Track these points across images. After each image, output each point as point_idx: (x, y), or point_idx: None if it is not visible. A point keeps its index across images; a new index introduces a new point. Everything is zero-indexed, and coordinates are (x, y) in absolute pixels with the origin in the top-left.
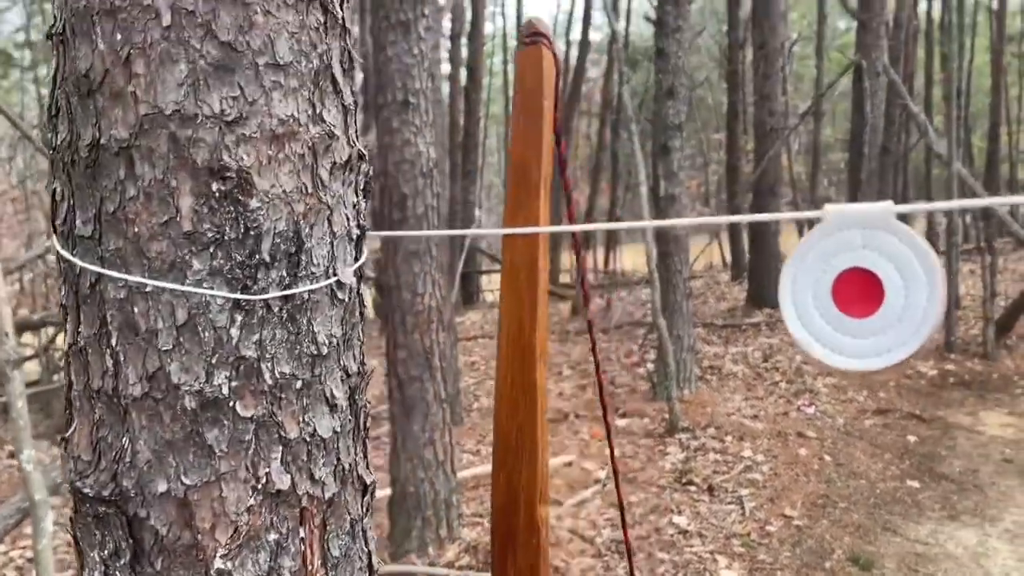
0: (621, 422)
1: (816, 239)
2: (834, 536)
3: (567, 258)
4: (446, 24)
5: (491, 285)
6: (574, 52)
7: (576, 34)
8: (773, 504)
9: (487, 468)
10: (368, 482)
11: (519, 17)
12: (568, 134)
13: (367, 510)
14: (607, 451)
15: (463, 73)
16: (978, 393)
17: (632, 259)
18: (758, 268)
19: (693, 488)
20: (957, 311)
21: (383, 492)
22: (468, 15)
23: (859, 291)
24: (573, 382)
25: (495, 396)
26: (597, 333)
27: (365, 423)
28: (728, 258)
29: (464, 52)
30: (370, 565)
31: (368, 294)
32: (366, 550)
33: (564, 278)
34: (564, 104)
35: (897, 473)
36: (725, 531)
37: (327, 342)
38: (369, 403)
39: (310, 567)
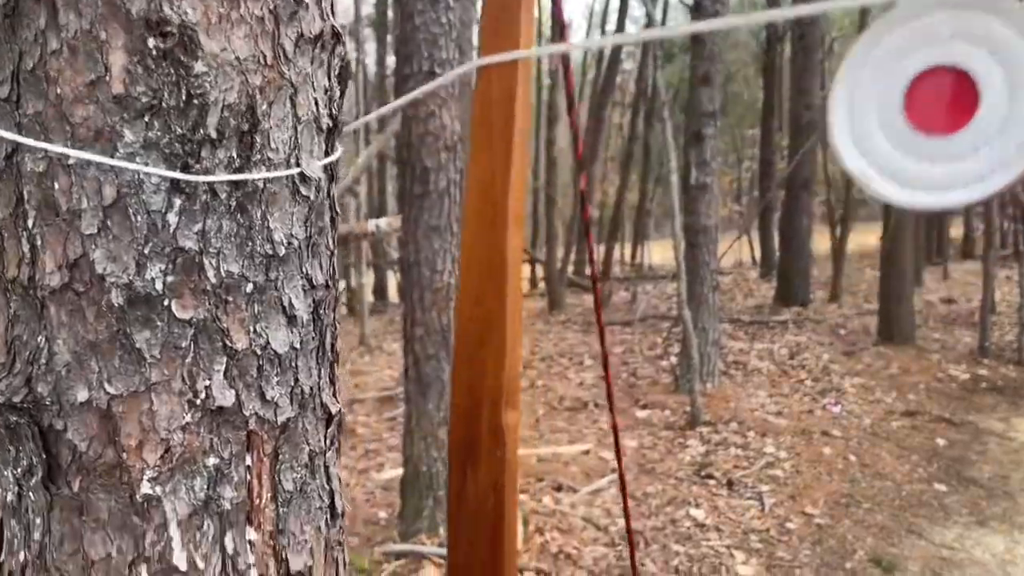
0: (642, 413)
1: (883, 30)
2: (856, 536)
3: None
4: None
5: None
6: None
7: (612, 24)
8: (794, 501)
9: None
10: (333, 411)
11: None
12: (600, 123)
13: (332, 443)
14: (625, 441)
15: None
16: (1011, 399)
17: (660, 254)
18: (788, 266)
19: (712, 482)
20: (992, 316)
21: (396, 471)
22: None
23: (943, 99)
24: (595, 372)
25: (460, 277)
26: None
27: (333, 345)
28: (758, 255)
29: None
30: (332, 506)
31: (392, 278)
32: (327, 488)
33: (590, 270)
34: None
35: (924, 476)
36: (743, 526)
37: (285, 242)
38: (338, 323)
39: (257, 500)
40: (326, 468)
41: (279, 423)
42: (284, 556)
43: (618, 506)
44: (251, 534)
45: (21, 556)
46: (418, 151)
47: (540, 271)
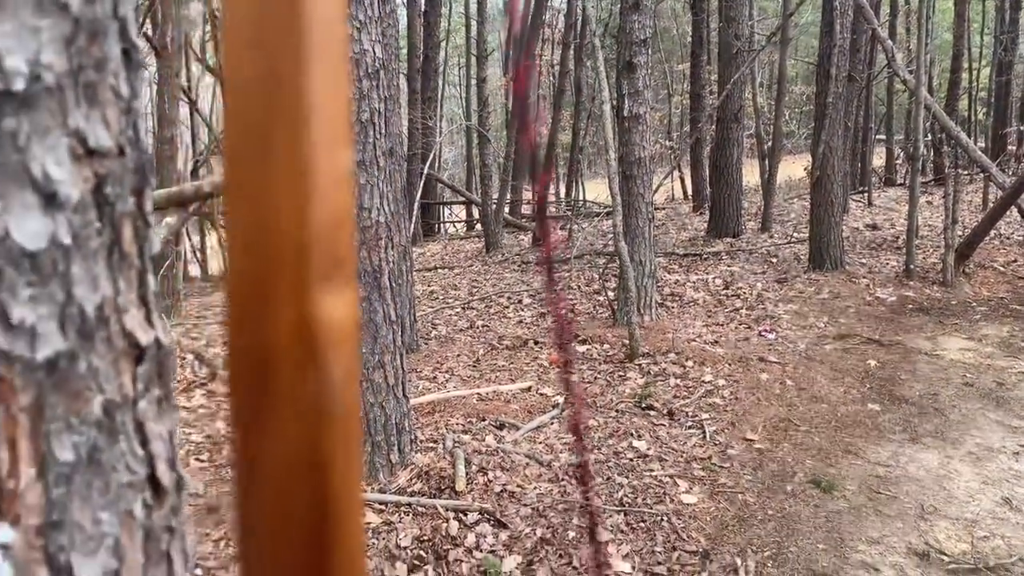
0: (581, 348)
1: None
2: (795, 459)
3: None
4: None
5: (452, 217)
6: None
7: None
8: (734, 428)
9: (444, 394)
10: (144, 342)
11: None
12: (530, 60)
13: (147, 389)
14: (565, 377)
15: None
16: (937, 319)
17: (594, 191)
18: (719, 198)
19: (653, 413)
20: (916, 239)
21: None
22: None
23: None
24: (533, 311)
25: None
26: (557, 265)
27: (142, 246)
28: (690, 190)
29: None
30: (153, 477)
31: None
32: (142, 453)
33: (526, 210)
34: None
35: (858, 396)
36: (685, 455)
37: (27, 73)
38: (145, 222)
39: (10, 481)
40: (139, 425)
41: (39, 361)
42: (66, 561)
43: (560, 441)
44: (4, 534)
45: None
46: None
47: (476, 213)
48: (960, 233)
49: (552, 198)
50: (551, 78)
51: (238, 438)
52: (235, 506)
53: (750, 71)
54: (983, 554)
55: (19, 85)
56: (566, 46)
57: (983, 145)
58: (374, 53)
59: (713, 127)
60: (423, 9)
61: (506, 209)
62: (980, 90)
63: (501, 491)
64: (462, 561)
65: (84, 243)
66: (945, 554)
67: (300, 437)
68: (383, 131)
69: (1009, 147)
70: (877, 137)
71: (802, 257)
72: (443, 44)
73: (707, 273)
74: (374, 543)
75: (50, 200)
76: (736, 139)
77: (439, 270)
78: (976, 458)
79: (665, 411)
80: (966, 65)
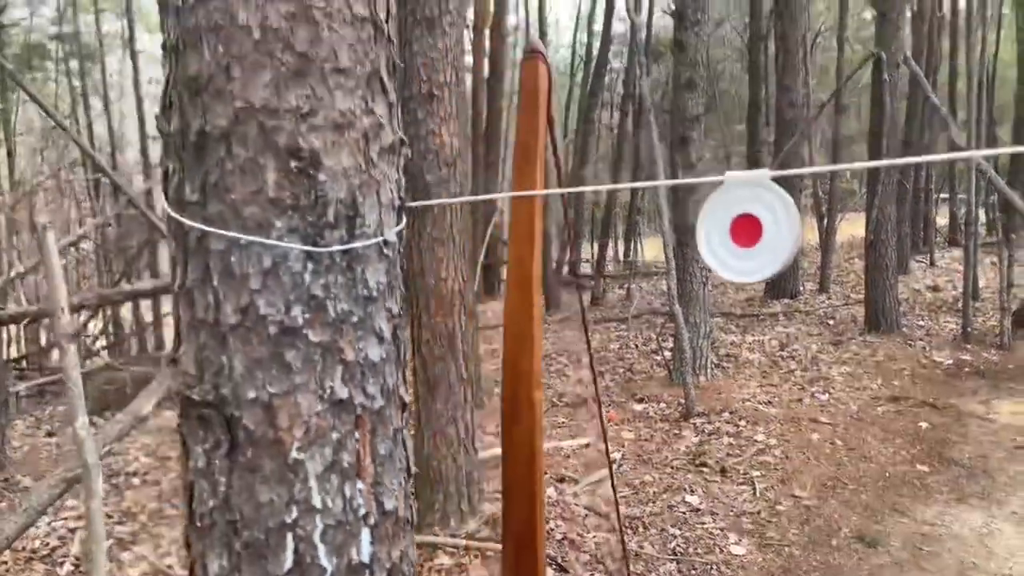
0: (637, 407)
1: (719, 195)
2: (842, 515)
3: (585, 249)
4: (469, 15)
5: None
6: (596, 43)
7: (598, 25)
8: (783, 485)
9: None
10: (406, 401)
11: (542, 9)
12: (590, 124)
13: (405, 423)
14: (623, 433)
15: (486, 65)
16: (992, 383)
17: (653, 251)
18: None
19: (706, 469)
20: (975, 303)
21: None
22: (492, 7)
23: (747, 229)
24: (591, 370)
25: (504, 318)
26: (614, 323)
27: (404, 354)
28: None
29: (487, 44)
30: (408, 468)
31: None
32: (404, 454)
33: (584, 268)
34: (587, 96)
35: (907, 458)
36: (736, 509)
37: (376, 287)
38: (407, 340)
39: (363, 462)
40: (403, 440)
41: (375, 409)
42: (381, 499)
43: (617, 495)
44: (360, 484)
45: (210, 503)
46: (420, 167)
47: None
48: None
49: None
50: (610, 140)
51: (505, 432)
52: (503, 456)
53: (806, 134)
54: None
55: (374, 293)
56: (624, 113)
57: None
58: (452, 144)
59: None
60: (486, 76)
61: (565, 269)
62: None
63: (562, 539)
64: None
65: (389, 357)
66: None
67: (526, 431)
68: (458, 212)
69: None
70: (941, 196)
71: (859, 319)
72: (505, 111)
73: (763, 334)
74: None
75: (380, 339)
76: (793, 200)
77: (499, 328)
78: (1020, 518)
79: (718, 468)
80: None
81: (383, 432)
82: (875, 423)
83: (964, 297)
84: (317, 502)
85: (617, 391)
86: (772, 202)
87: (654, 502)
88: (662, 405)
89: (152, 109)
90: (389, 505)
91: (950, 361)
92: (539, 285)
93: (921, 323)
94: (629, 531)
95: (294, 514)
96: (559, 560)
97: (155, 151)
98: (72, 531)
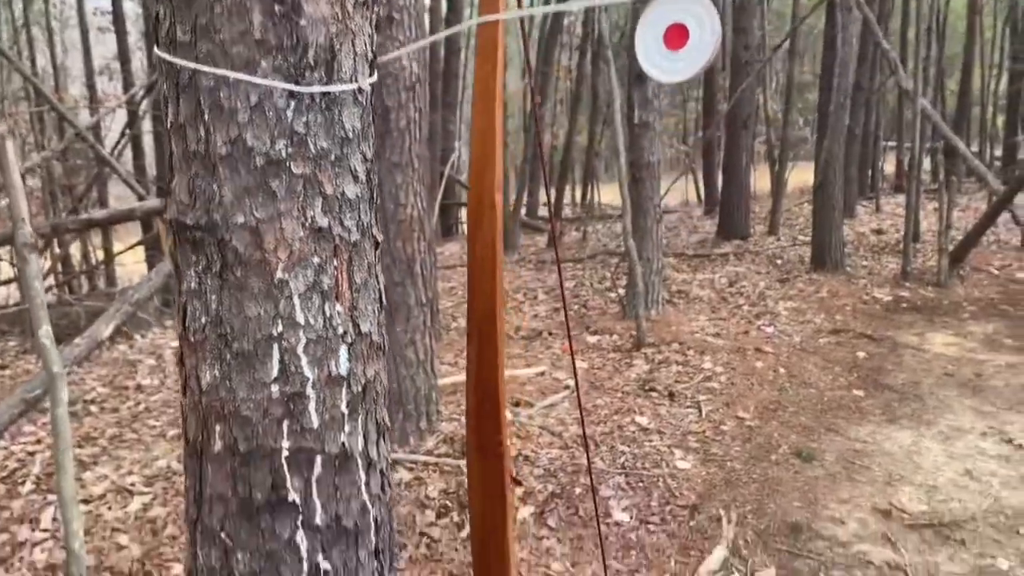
0: (591, 339)
1: (655, 7)
2: (781, 435)
3: (544, 193)
4: None
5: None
6: None
7: None
8: (728, 408)
9: (465, 378)
10: (379, 239)
11: None
12: (548, 67)
13: (377, 260)
14: (576, 362)
15: (444, 4)
16: (927, 317)
17: (609, 194)
18: (728, 201)
19: (655, 394)
20: (916, 244)
21: None
22: None
23: (677, 35)
24: (547, 305)
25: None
26: (570, 263)
27: (377, 197)
28: (702, 194)
29: None
30: (380, 300)
31: None
32: (378, 287)
33: (543, 211)
34: (546, 36)
35: (845, 384)
36: (682, 429)
37: (351, 130)
38: (380, 183)
39: (341, 286)
40: (376, 274)
41: (352, 241)
42: (357, 322)
43: (571, 417)
44: (338, 307)
45: (202, 320)
46: (379, 92)
47: None
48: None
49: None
50: (568, 83)
51: (470, 237)
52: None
53: (761, 79)
54: (940, 513)
55: (350, 135)
56: (582, 53)
57: (999, 154)
58: (412, 69)
59: (722, 132)
60: (444, 16)
61: (523, 211)
62: (999, 100)
63: (517, 455)
64: None
65: (363, 197)
66: (906, 512)
67: (489, 238)
68: (417, 137)
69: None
70: (890, 145)
71: (806, 259)
72: (463, 50)
73: (713, 273)
74: (406, 495)
75: (356, 179)
76: (745, 145)
77: (458, 268)
78: (946, 437)
79: (666, 393)
80: (978, 75)
81: (359, 263)
82: (816, 353)
83: (905, 238)
84: (300, 318)
85: (571, 325)
86: (700, 13)
87: (605, 423)
88: (614, 337)
89: (98, 40)
90: (364, 328)
91: (889, 297)
92: (500, 190)
93: (864, 263)
94: (581, 448)
95: (279, 327)
96: (514, 474)
97: (102, 84)
98: (32, 454)
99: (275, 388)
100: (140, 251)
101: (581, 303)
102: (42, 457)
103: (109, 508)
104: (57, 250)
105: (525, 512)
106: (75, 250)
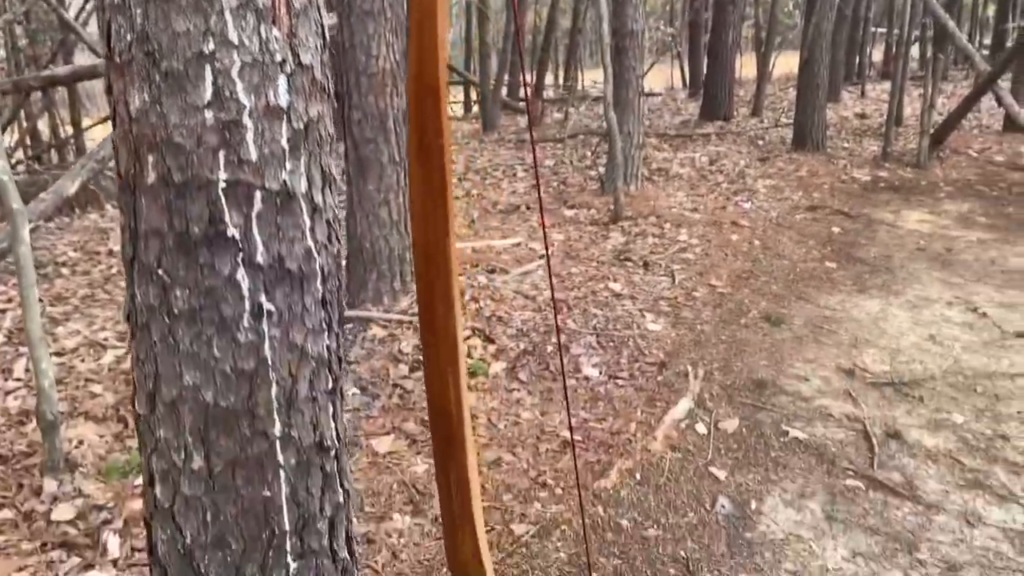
0: (568, 212)
1: None
2: (752, 301)
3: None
4: None
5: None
6: None
7: None
8: (701, 276)
9: None
10: None
11: None
12: None
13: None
14: (553, 235)
15: None
16: (904, 196)
17: (592, 78)
18: (713, 82)
19: (630, 264)
20: (898, 127)
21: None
22: None
23: None
24: (526, 182)
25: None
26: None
27: None
28: (687, 77)
29: None
30: (323, 34)
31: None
32: (320, 19)
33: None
34: None
35: (818, 256)
36: (655, 295)
37: None
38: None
39: (278, 10)
40: (319, 7)
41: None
42: (297, 52)
43: (545, 283)
44: (276, 31)
45: (127, 38)
46: None
47: (474, 95)
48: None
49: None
50: None
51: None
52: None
53: None
54: (900, 373)
55: None
56: None
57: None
58: None
59: (710, 13)
60: None
61: (504, 91)
62: None
63: (491, 316)
64: None
65: None
66: (868, 372)
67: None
68: None
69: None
70: (880, 31)
71: (787, 140)
72: None
73: (694, 152)
74: (380, 350)
75: None
76: (731, 22)
77: None
78: (913, 305)
79: (641, 263)
80: None
81: None
82: (792, 228)
83: (888, 120)
84: (233, 37)
85: (550, 200)
86: None
87: (579, 288)
88: (592, 211)
89: None
90: (305, 60)
91: (868, 177)
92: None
93: (846, 145)
94: (552, 310)
95: (211, 46)
96: (487, 333)
97: None
98: (2, 311)
99: (209, 114)
100: (110, 125)
101: (560, 180)
102: (14, 315)
103: (82, 360)
104: (25, 123)
105: (497, 367)
106: (44, 125)
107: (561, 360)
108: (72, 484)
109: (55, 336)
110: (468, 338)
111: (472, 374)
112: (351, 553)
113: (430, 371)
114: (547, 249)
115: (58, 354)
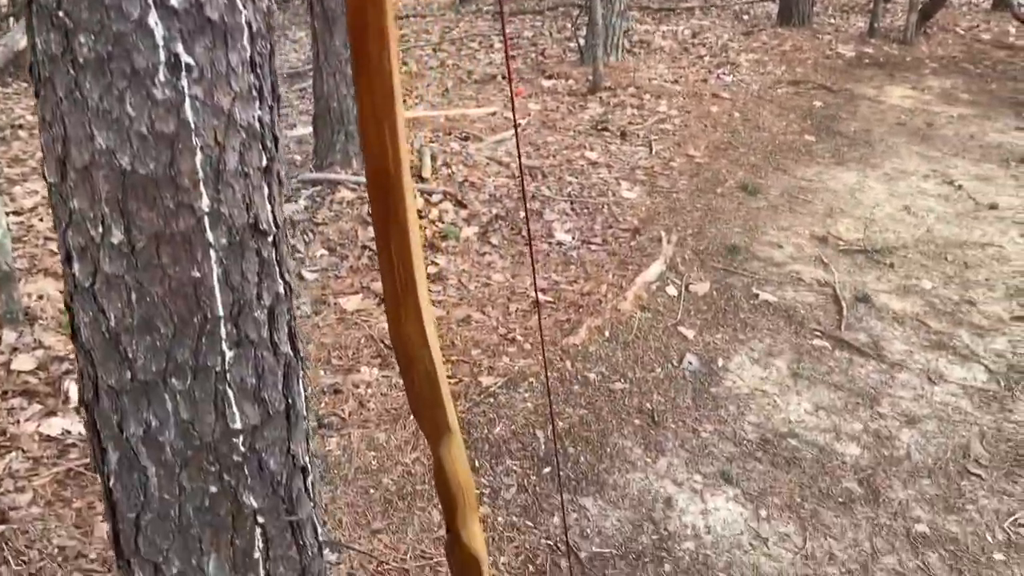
0: (546, 83)
1: None
2: (729, 171)
3: None
4: None
5: None
6: None
7: None
8: (679, 147)
9: (412, 113)
10: None
11: None
12: None
13: None
14: (529, 104)
15: None
16: (888, 72)
17: None
18: None
19: (607, 133)
20: (886, 3)
21: (307, 129)
22: None
23: None
24: (503, 53)
25: None
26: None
27: None
28: None
29: None
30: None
31: None
32: None
33: None
34: None
35: (797, 130)
36: (631, 164)
37: None
38: None
39: None
40: None
41: None
42: None
43: (521, 151)
44: None
45: None
46: None
47: None
48: None
49: None
50: None
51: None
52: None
53: None
54: (873, 241)
55: None
56: None
57: None
58: None
59: None
60: None
61: None
62: None
63: (463, 181)
64: (426, 228)
65: None
66: (841, 240)
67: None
68: None
69: None
70: None
71: (773, 15)
72: None
73: (677, 25)
74: (349, 212)
75: None
76: None
77: (410, 18)
78: (890, 178)
79: (619, 133)
80: None
81: None
82: (773, 101)
83: None
84: None
85: (527, 71)
86: None
87: (555, 157)
88: (570, 82)
89: None
90: None
91: (853, 53)
92: None
93: (832, 21)
94: (529, 177)
95: None
96: (459, 198)
97: None
98: None
99: None
100: None
101: (539, 51)
102: None
103: (41, 220)
104: None
105: (469, 232)
106: None
107: (526, 210)
108: (32, 336)
109: (12, 196)
110: (440, 202)
111: (443, 237)
112: (295, 350)
113: (365, 121)
114: (512, 95)
115: (16, 213)
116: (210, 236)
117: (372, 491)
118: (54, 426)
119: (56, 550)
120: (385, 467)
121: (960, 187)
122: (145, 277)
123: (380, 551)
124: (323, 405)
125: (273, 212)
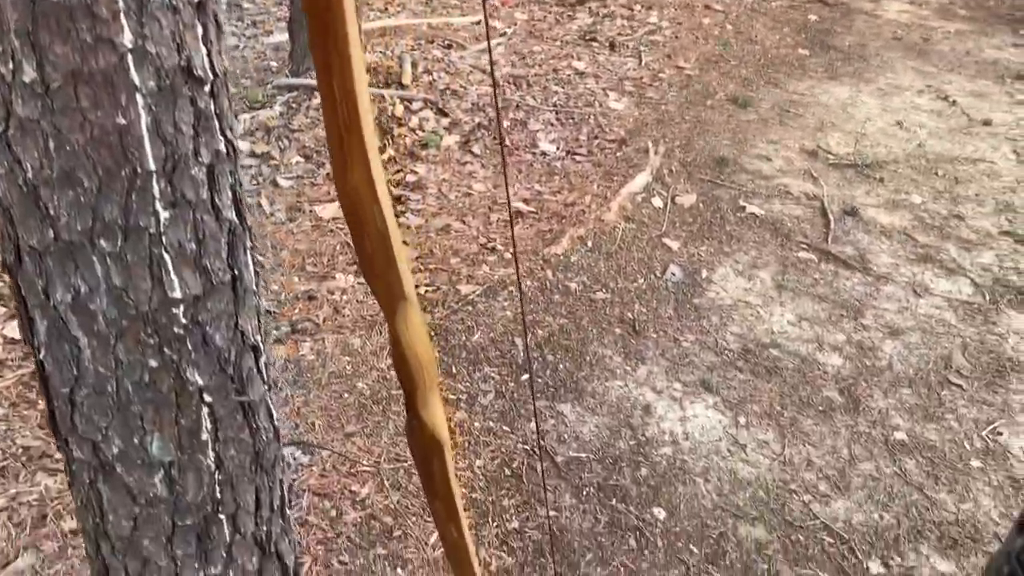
0: None
1: None
2: (720, 84)
3: None
4: None
5: None
6: None
7: None
8: (669, 59)
9: (395, 21)
10: None
11: None
12: None
13: None
14: (515, 14)
15: None
16: None
17: None
18: None
19: (596, 44)
20: None
21: (283, 36)
22: None
23: None
24: None
25: None
26: None
27: None
28: None
29: None
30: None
31: None
32: None
33: None
34: None
35: (791, 43)
36: (619, 75)
37: None
38: None
39: None
40: None
41: None
42: None
43: (504, 59)
44: None
45: None
46: None
47: None
48: None
49: None
50: None
51: None
52: None
53: None
54: (863, 155)
55: None
56: None
57: None
58: None
59: None
60: None
61: None
62: None
63: (445, 88)
64: (406, 136)
65: None
66: (831, 154)
67: None
68: None
69: None
70: None
71: None
72: None
73: None
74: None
75: None
76: None
77: None
78: (884, 93)
79: (607, 43)
80: None
81: None
82: (767, 14)
83: None
84: None
85: None
86: None
87: (540, 66)
88: None
89: None
90: None
91: None
92: None
93: None
94: (513, 86)
95: None
96: (440, 106)
97: None
98: None
99: None
100: None
101: None
102: None
103: None
104: None
105: (450, 140)
106: None
107: (497, 116)
108: None
109: None
110: (420, 110)
111: (423, 145)
112: (241, 217)
113: None
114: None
115: None
116: (135, 77)
117: (346, 395)
118: (17, 328)
119: (20, 450)
120: (360, 372)
121: (954, 103)
122: (63, 123)
123: (354, 453)
124: (297, 311)
125: (210, 57)
